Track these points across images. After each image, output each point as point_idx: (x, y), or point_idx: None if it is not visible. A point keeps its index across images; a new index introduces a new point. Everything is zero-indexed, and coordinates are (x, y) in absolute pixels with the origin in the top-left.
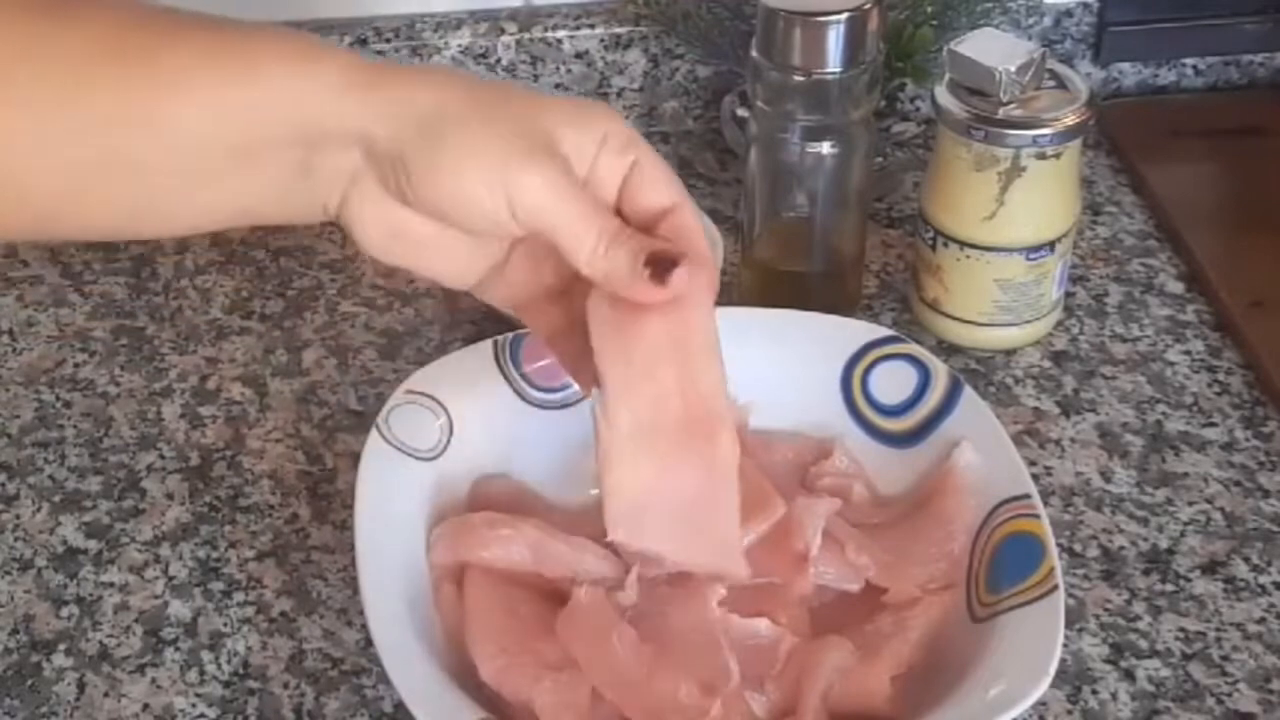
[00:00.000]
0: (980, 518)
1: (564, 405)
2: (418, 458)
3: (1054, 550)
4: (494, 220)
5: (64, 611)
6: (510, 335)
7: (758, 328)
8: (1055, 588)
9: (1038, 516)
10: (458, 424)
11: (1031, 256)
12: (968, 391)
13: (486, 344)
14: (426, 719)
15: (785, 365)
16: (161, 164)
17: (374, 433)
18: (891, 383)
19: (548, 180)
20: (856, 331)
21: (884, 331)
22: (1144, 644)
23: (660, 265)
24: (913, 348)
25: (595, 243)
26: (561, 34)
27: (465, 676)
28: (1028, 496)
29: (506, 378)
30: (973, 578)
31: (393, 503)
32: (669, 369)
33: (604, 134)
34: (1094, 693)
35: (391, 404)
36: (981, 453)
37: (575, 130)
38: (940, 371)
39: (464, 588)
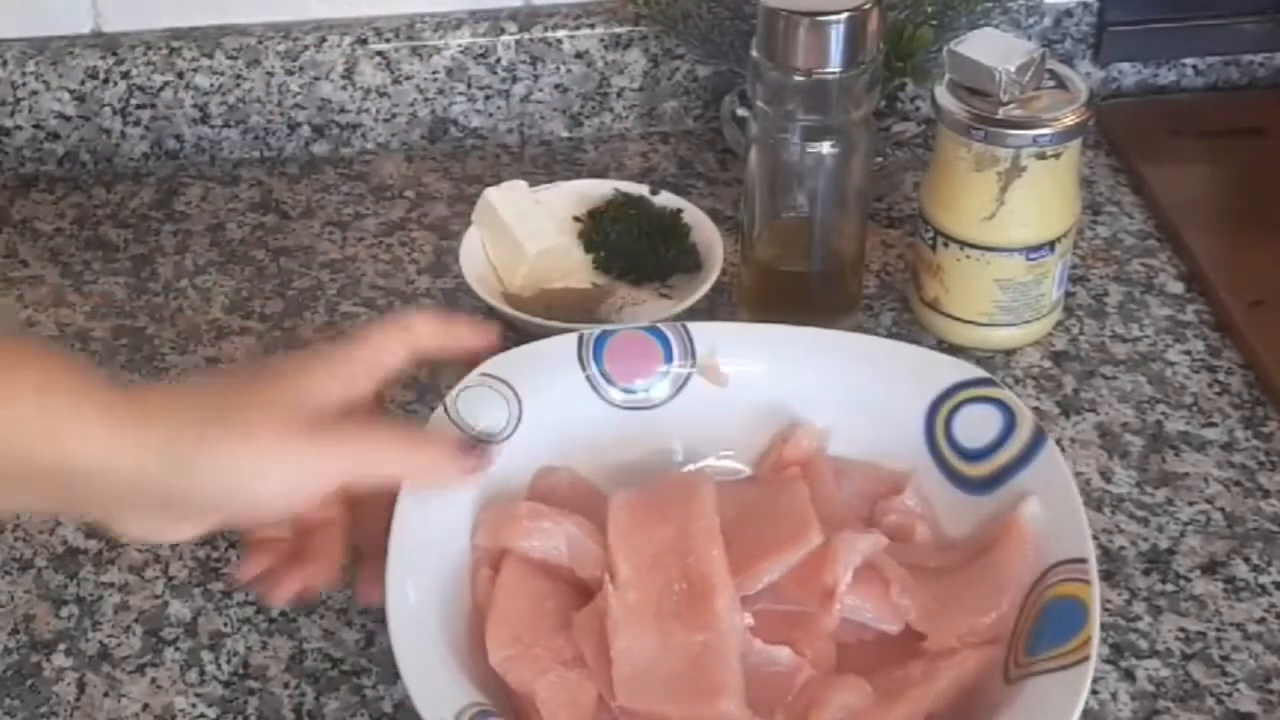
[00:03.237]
0: (1034, 576)
1: (639, 407)
2: (481, 440)
3: (1096, 619)
4: (301, 498)
5: (64, 611)
6: (597, 330)
7: (850, 351)
8: (1087, 658)
9: (1088, 582)
10: (528, 412)
11: (1031, 256)
12: (1049, 445)
13: (571, 337)
14: (420, 698)
15: (872, 394)
16: None
17: (439, 411)
18: (976, 426)
19: (333, 432)
20: (949, 369)
21: (977, 373)
22: (1144, 644)
23: (477, 446)
24: (1004, 393)
25: (405, 453)
26: (561, 34)
27: (483, 660)
28: (1083, 561)
29: (585, 372)
30: (1015, 638)
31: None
32: (674, 562)
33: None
34: (1094, 693)
35: (463, 385)
36: (1050, 509)
37: (322, 378)
38: (1026, 420)
39: (499, 573)
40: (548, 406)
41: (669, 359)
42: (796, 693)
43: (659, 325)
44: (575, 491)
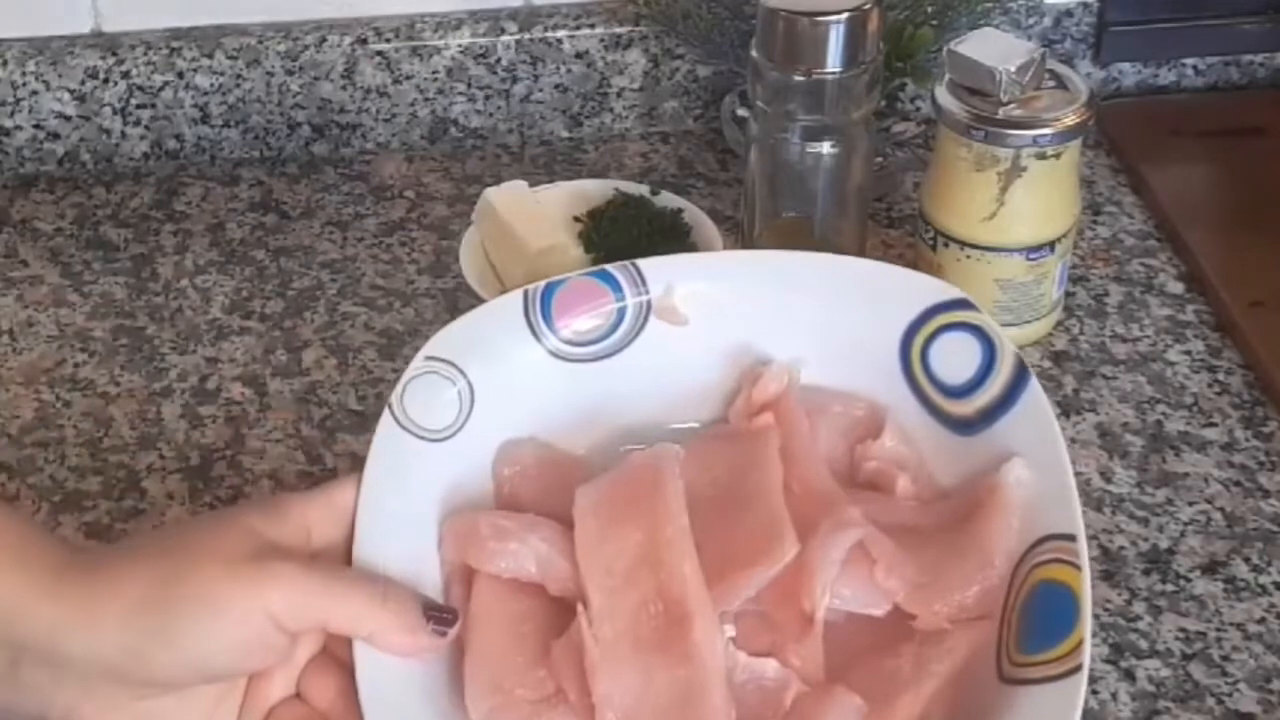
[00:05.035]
0: (1022, 548)
1: (596, 358)
2: (432, 439)
3: (1088, 617)
4: (268, 645)
5: None
6: (541, 284)
7: (816, 274)
8: (1078, 667)
9: (1079, 568)
10: (480, 390)
11: (1031, 256)
12: (1034, 384)
13: (515, 295)
14: None
15: (842, 319)
16: None
17: (385, 416)
18: (954, 357)
19: (294, 576)
20: (922, 289)
21: (952, 293)
22: (1144, 644)
23: (442, 617)
24: (982, 318)
25: (370, 605)
26: (561, 34)
27: (461, 705)
28: (1073, 539)
29: (534, 329)
30: (1006, 619)
31: (404, 494)
32: (647, 576)
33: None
34: (1094, 693)
35: (408, 376)
36: (1036, 460)
37: (274, 520)
38: (1007, 353)
39: (471, 597)
40: (500, 376)
41: (620, 299)
42: (787, 711)
43: (605, 268)
44: (542, 463)
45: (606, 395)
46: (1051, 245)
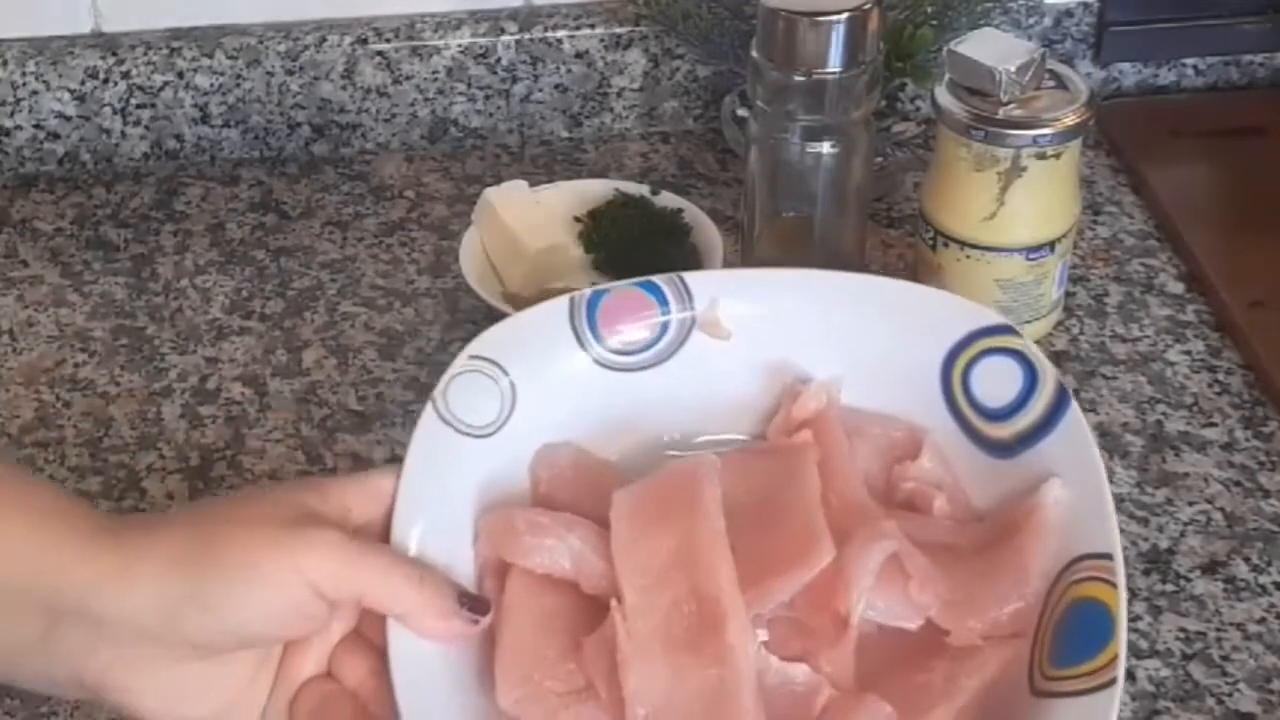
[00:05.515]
0: (1058, 567)
1: (639, 368)
2: (473, 435)
3: (1123, 632)
4: (304, 613)
5: None
6: (589, 291)
7: (858, 294)
8: (1113, 681)
9: (1115, 585)
10: (522, 391)
11: (1031, 256)
12: (1074, 408)
13: (561, 301)
14: None
15: (884, 341)
16: None
17: (428, 409)
18: (995, 381)
19: (334, 543)
20: (964, 314)
21: (994, 319)
22: (1144, 644)
23: (476, 605)
24: (1024, 343)
25: (407, 584)
26: (561, 34)
27: (491, 692)
28: (1109, 558)
29: (579, 336)
30: (1040, 637)
31: (443, 487)
32: (681, 577)
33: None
34: None
35: (451, 373)
36: (1074, 484)
37: (314, 495)
38: (1049, 377)
39: (505, 590)
40: (543, 380)
41: (665, 311)
42: (816, 717)
43: (653, 279)
44: (579, 468)
45: (647, 404)
46: (1051, 245)
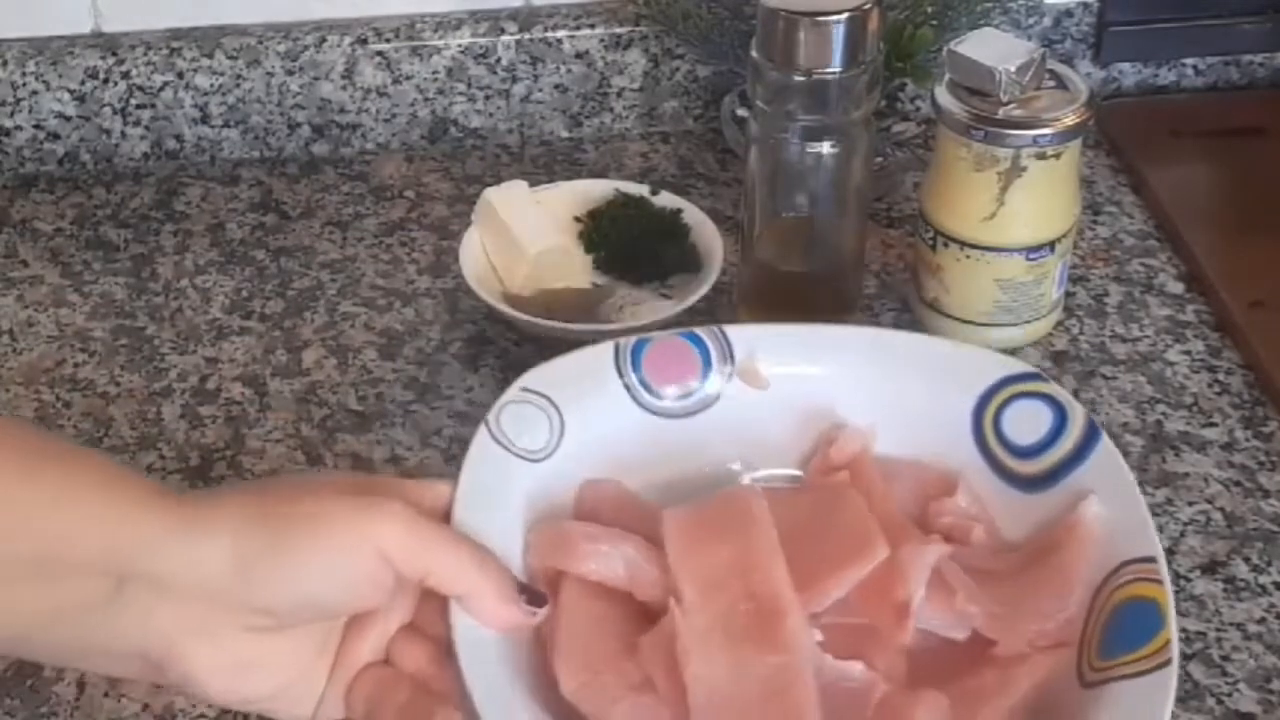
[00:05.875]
0: (1101, 576)
1: (680, 414)
2: (524, 458)
3: (1173, 621)
4: (373, 581)
5: None
6: (634, 338)
7: (889, 349)
8: (1168, 661)
9: (1160, 582)
10: (569, 425)
11: (1031, 256)
12: (1104, 440)
13: (607, 345)
14: None
15: (916, 392)
16: None
17: (482, 429)
18: (1026, 422)
19: (403, 515)
20: (994, 364)
21: (1023, 367)
22: None
23: (534, 598)
24: (1052, 388)
25: (472, 563)
26: (561, 34)
27: (550, 684)
28: (1153, 560)
29: (624, 380)
30: (1086, 639)
31: (494, 502)
32: (737, 581)
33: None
34: None
35: (503, 401)
36: (1111, 506)
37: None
38: (1078, 416)
39: (558, 597)
40: (589, 418)
41: (707, 363)
42: (874, 709)
43: (695, 330)
44: (621, 505)
45: (687, 447)
46: (1051, 245)
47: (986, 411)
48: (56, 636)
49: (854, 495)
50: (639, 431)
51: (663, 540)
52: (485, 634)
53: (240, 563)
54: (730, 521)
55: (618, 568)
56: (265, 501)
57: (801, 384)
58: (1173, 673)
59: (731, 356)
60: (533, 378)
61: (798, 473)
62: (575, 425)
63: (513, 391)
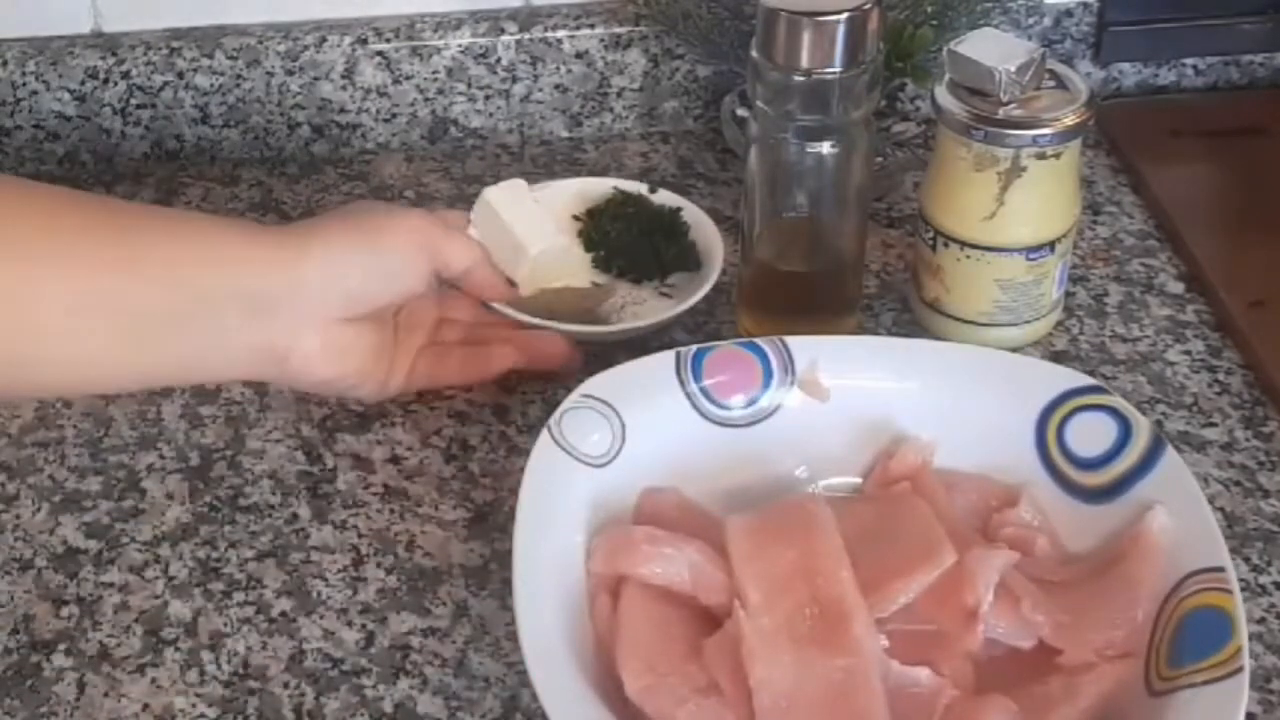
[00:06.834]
0: (1169, 586)
1: (741, 424)
2: (586, 463)
3: (1244, 629)
4: (414, 268)
5: (64, 611)
6: (694, 348)
7: (952, 362)
8: (1239, 669)
9: (1230, 591)
10: (630, 432)
11: (1031, 256)
12: (1170, 452)
13: (668, 354)
14: None
15: (978, 405)
16: (147, 307)
17: (544, 433)
18: (1089, 434)
19: (424, 213)
20: (1057, 376)
21: (1085, 380)
22: None
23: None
24: (1116, 400)
25: (468, 242)
26: (561, 34)
27: (611, 688)
28: (1221, 570)
29: (685, 389)
30: (1154, 649)
31: (555, 506)
32: (802, 585)
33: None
34: None
35: (566, 406)
36: (1177, 517)
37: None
38: (1143, 427)
39: (619, 600)
40: (650, 426)
41: (768, 374)
42: (940, 714)
43: (756, 340)
44: (682, 513)
45: (746, 455)
46: (1051, 245)
47: (1050, 424)
48: (205, 357)
49: (919, 502)
50: (699, 440)
51: (724, 546)
52: (552, 639)
53: (331, 275)
54: (794, 526)
55: (682, 571)
56: (343, 228)
57: (862, 396)
58: (1244, 680)
59: (793, 367)
60: (595, 385)
61: (858, 480)
62: (636, 432)
63: (574, 398)
